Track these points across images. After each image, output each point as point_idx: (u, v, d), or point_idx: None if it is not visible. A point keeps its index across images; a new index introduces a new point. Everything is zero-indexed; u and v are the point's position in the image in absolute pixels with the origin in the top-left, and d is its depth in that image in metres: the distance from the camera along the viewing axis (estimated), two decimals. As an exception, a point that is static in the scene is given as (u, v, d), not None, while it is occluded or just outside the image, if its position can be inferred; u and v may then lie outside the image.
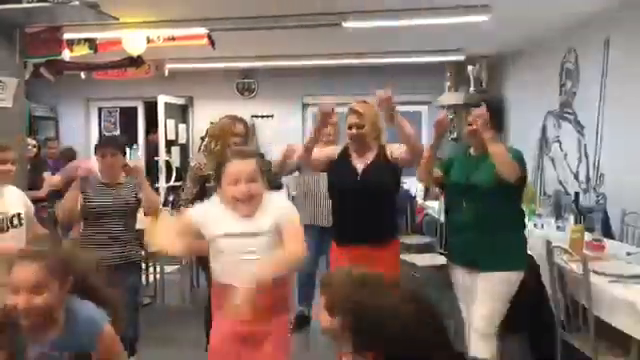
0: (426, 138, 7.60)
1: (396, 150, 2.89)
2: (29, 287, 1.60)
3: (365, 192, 2.83)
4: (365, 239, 2.80)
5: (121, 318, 1.80)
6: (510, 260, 2.70)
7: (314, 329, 4.10)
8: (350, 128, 2.91)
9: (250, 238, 2.03)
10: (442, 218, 4.56)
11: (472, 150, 2.89)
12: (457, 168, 2.89)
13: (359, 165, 2.92)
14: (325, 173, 3.13)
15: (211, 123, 7.53)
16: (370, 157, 2.93)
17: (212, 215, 2.11)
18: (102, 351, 1.72)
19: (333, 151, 3.07)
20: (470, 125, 2.78)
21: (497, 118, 2.83)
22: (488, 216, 2.67)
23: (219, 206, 2.12)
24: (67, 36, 4.42)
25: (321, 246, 3.81)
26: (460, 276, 2.85)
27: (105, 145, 3.28)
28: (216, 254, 2.13)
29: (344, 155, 3.00)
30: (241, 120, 3.36)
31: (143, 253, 4.07)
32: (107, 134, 8.27)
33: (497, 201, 2.67)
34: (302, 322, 4.14)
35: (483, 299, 2.67)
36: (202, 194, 3.01)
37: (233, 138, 3.21)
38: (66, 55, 4.58)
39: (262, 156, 7.54)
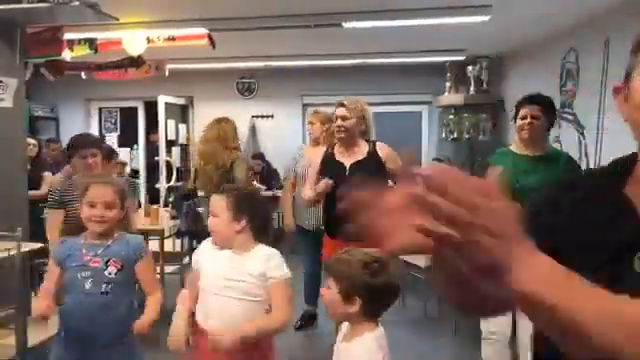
0: (426, 138, 7.62)
1: (391, 162, 3.01)
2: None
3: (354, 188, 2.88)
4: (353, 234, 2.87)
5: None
6: None
7: (320, 329, 4.10)
8: (337, 120, 3.06)
9: (235, 281, 1.96)
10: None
11: (517, 147, 2.78)
12: (503, 167, 2.72)
13: (346, 161, 3.06)
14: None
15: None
16: (358, 153, 3.06)
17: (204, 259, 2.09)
18: (144, 267, 2.17)
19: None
20: (525, 119, 2.69)
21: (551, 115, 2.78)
22: None
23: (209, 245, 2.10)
24: (67, 36, 4.42)
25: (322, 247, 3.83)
26: None
27: (84, 145, 3.14)
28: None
29: (329, 154, 3.15)
30: None
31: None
32: (107, 134, 8.29)
33: None
34: (308, 320, 4.14)
35: None
36: None
37: None
38: (66, 55, 4.58)
39: (262, 156, 7.57)
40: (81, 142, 3.25)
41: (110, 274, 2.07)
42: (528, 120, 2.66)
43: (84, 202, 2.10)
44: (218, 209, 2.00)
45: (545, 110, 2.69)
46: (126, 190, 2.32)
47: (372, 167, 3.01)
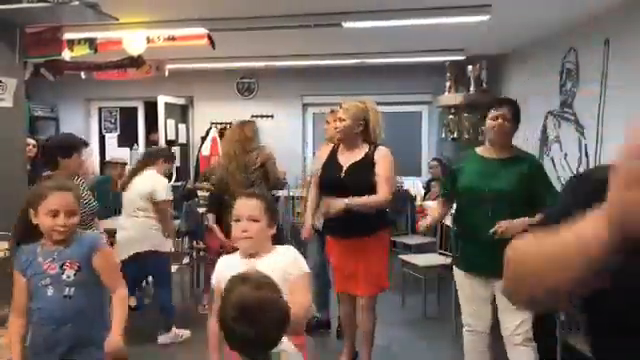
0: (425, 138, 7.62)
1: (378, 165, 3.09)
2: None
3: (348, 189, 3.06)
4: (350, 232, 3.08)
5: None
6: None
7: (333, 334, 4.09)
8: (335, 121, 3.23)
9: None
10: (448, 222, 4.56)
11: (486, 152, 2.80)
12: (472, 173, 2.77)
13: (345, 162, 3.18)
14: None
15: (212, 123, 7.58)
16: (357, 155, 3.16)
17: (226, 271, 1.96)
18: (100, 261, 2.07)
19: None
20: (495, 119, 2.70)
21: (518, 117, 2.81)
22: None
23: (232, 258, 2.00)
24: (67, 36, 4.42)
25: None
26: (474, 286, 2.79)
27: (84, 145, 3.32)
28: None
29: (333, 153, 3.28)
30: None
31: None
32: (107, 134, 8.29)
33: (519, 206, 2.64)
34: (319, 327, 4.09)
35: None
36: None
37: None
38: (66, 55, 4.59)
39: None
40: (80, 142, 3.34)
41: (69, 277, 2.01)
42: (499, 121, 2.69)
43: (43, 211, 1.99)
44: (257, 213, 1.92)
45: (514, 114, 2.72)
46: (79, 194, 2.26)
47: (365, 170, 3.10)
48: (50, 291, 1.99)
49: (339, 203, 2.99)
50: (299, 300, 1.81)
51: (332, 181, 3.20)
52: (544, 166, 3.06)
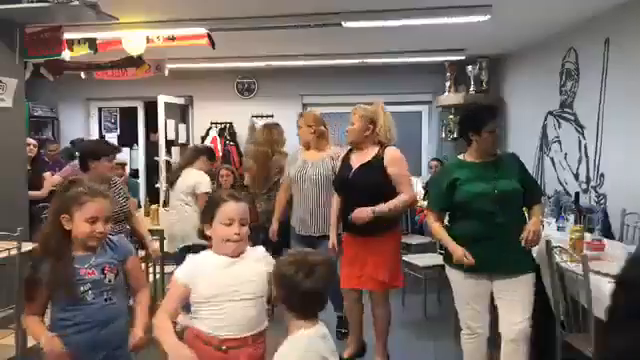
0: (425, 138, 7.62)
1: (391, 166, 3.22)
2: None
3: (355, 189, 3.24)
4: (359, 230, 3.19)
5: None
6: (531, 260, 2.81)
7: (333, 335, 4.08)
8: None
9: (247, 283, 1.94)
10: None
11: (471, 157, 2.83)
12: (473, 179, 2.76)
13: (355, 163, 3.32)
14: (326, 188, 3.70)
15: (212, 123, 7.59)
16: (366, 156, 3.29)
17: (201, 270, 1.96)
18: (134, 264, 2.19)
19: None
20: (493, 132, 2.79)
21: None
22: (514, 222, 2.71)
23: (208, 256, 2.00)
24: (67, 36, 4.41)
25: None
26: (475, 286, 2.78)
27: (114, 149, 3.48)
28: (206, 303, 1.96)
29: (346, 155, 3.45)
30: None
31: (143, 253, 4.09)
32: (107, 135, 8.29)
33: (518, 206, 2.77)
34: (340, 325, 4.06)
35: (523, 303, 2.69)
36: None
37: None
38: (66, 55, 4.58)
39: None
40: (107, 148, 3.52)
41: (110, 281, 2.04)
42: (496, 133, 2.79)
43: (81, 218, 1.99)
44: (246, 216, 1.97)
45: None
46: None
47: (374, 170, 3.23)
48: (90, 296, 2.00)
49: (365, 213, 3.11)
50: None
51: (341, 182, 3.38)
52: (539, 164, 3.16)
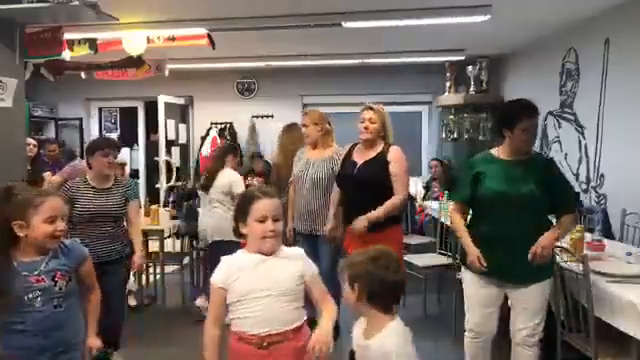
0: (426, 138, 7.62)
1: (393, 164, 3.27)
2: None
3: (359, 185, 3.30)
4: (370, 226, 3.19)
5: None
6: (550, 267, 2.69)
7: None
8: (363, 122, 3.35)
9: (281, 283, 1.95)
10: (445, 220, 4.55)
11: (503, 154, 2.72)
12: (498, 177, 2.67)
13: (359, 160, 3.38)
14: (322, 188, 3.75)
15: (212, 123, 7.58)
16: (372, 153, 3.35)
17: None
18: (88, 270, 2.16)
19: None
20: (528, 131, 2.64)
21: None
22: (534, 229, 2.58)
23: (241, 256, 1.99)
24: (67, 36, 4.41)
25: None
26: (487, 290, 2.72)
27: (110, 145, 3.40)
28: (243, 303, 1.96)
29: (348, 153, 3.50)
30: None
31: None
32: (107, 134, 8.29)
33: (540, 212, 2.62)
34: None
35: (534, 309, 2.63)
36: None
37: None
38: (66, 55, 4.58)
39: (261, 156, 7.57)
40: (102, 143, 3.49)
41: (61, 289, 2.00)
42: (532, 132, 2.63)
43: (40, 219, 1.94)
44: (280, 212, 1.97)
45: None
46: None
47: (377, 167, 3.30)
48: (39, 303, 1.96)
49: (360, 223, 3.20)
50: (331, 305, 1.99)
51: (345, 178, 3.43)
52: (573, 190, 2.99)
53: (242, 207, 1.97)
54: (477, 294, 2.75)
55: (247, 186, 4.94)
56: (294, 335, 1.91)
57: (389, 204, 3.24)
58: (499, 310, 2.76)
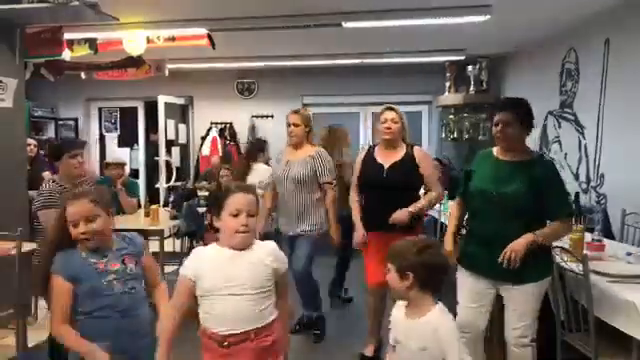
0: (426, 138, 7.62)
1: (423, 165, 3.35)
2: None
3: (390, 187, 3.30)
4: (391, 227, 3.20)
5: None
6: (542, 268, 2.65)
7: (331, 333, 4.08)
8: (385, 122, 3.40)
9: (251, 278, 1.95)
10: (443, 219, 4.55)
11: (500, 153, 2.71)
12: (484, 175, 2.70)
13: (385, 162, 3.38)
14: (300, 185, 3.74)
15: (212, 123, 7.59)
16: (396, 155, 3.38)
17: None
18: (150, 259, 2.25)
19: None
20: (497, 125, 2.63)
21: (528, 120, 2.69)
22: (520, 230, 2.53)
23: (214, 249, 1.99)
24: (67, 36, 4.42)
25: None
26: (477, 286, 2.72)
27: (76, 145, 3.36)
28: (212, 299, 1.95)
29: (369, 154, 3.49)
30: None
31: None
32: (107, 134, 8.30)
33: (528, 212, 2.56)
34: (310, 325, 4.04)
35: (525, 310, 2.61)
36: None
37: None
38: (66, 55, 4.58)
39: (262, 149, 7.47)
40: (69, 144, 3.49)
41: (132, 270, 2.08)
42: (500, 127, 2.61)
43: (69, 222, 2.02)
44: (254, 208, 1.96)
45: (518, 116, 2.62)
46: (104, 193, 2.22)
47: (407, 169, 3.33)
48: (114, 285, 2.02)
49: (403, 213, 3.22)
50: (286, 305, 2.06)
51: (374, 181, 3.39)
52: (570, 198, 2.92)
53: (217, 201, 1.96)
54: (465, 290, 2.77)
55: (219, 179, 4.97)
56: (256, 336, 1.89)
57: (433, 196, 3.33)
58: (489, 307, 2.75)
